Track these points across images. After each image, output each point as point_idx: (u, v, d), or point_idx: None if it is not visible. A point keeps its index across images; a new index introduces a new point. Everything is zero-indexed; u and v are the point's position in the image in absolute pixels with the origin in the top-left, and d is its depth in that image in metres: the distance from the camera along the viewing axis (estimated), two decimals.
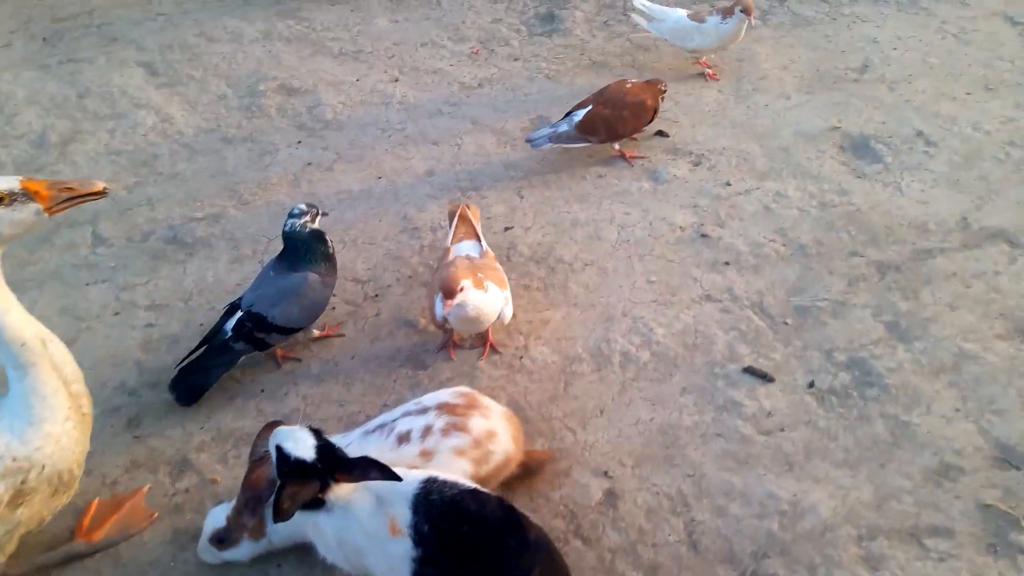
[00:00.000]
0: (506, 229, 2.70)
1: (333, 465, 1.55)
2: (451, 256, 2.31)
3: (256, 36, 3.79)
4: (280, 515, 1.50)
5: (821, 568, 1.77)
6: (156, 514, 1.97)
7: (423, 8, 3.95)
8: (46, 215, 1.70)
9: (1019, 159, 2.81)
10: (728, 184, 2.78)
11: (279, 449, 1.55)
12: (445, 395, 1.88)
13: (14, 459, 1.67)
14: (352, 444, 1.80)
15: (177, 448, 2.13)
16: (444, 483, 1.61)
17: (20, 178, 1.69)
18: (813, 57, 3.49)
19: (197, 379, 2.22)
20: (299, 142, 3.10)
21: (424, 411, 1.79)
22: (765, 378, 2.18)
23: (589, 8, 3.84)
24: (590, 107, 2.82)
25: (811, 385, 2.16)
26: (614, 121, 2.81)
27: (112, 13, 4.12)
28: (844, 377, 2.17)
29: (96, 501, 1.98)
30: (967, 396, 2.11)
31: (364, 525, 1.58)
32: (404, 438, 1.75)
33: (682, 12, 3.37)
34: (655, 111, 2.88)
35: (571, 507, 1.92)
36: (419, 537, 1.54)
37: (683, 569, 1.80)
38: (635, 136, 2.97)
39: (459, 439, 1.75)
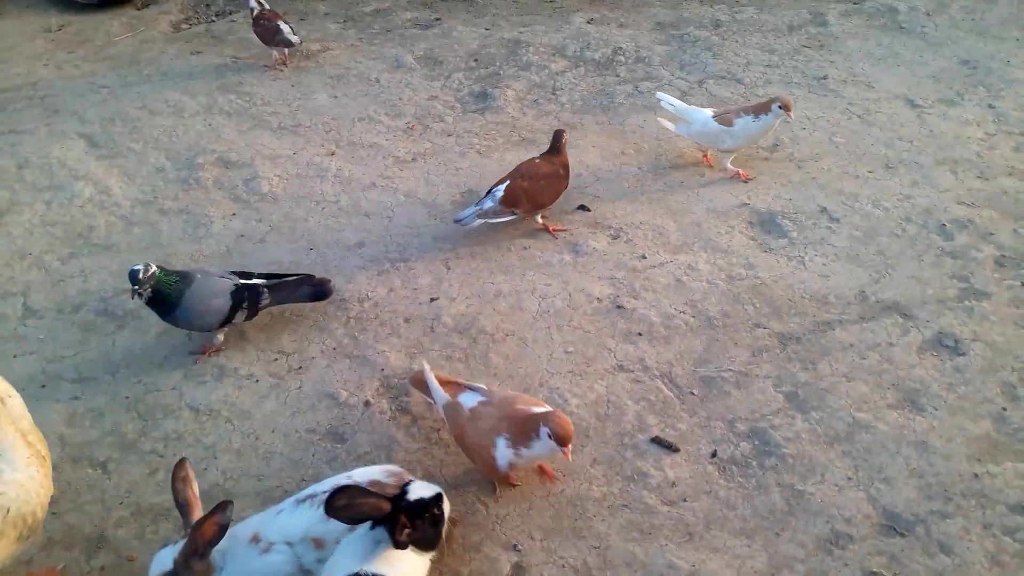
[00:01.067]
0: (432, 300, 2.79)
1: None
2: (464, 408, 2.17)
3: (197, 109, 3.89)
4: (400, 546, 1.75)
5: None
6: None
7: (362, 84, 4.09)
8: None
9: (914, 234, 3.00)
10: (644, 257, 2.93)
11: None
12: (376, 472, 1.98)
13: None
14: (283, 512, 1.89)
15: (95, 524, 2.15)
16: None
17: None
18: None
19: None
20: (233, 214, 3.18)
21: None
22: (671, 448, 2.28)
23: (520, 87, 4.02)
24: (508, 181, 2.95)
25: (714, 455, 2.27)
26: (533, 192, 2.94)
27: (55, 84, 4.19)
28: (745, 447, 2.28)
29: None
30: (859, 465, 2.23)
31: None
32: None
33: (708, 113, 3.25)
34: (567, 178, 3.02)
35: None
36: None
37: None
38: (547, 212, 3.08)
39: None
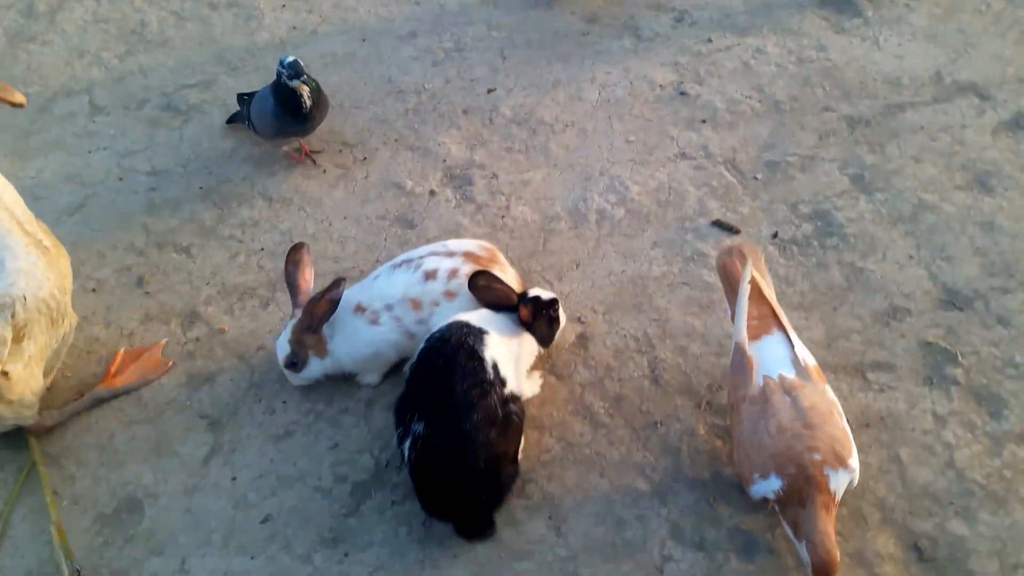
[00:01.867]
0: (489, 91, 2.75)
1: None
2: (755, 372, 1.69)
3: None
4: None
5: None
6: (172, 363, 2.18)
7: None
8: None
9: (999, 11, 2.80)
10: (709, 40, 2.80)
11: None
12: (471, 245, 2.07)
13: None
14: (380, 277, 2.03)
15: (186, 302, 2.31)
16: (446, 329, 1.85)
17: None
18: None
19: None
20: (283, 5, 3.09)
21: (451, 255, 2.00)
22: (731, 230, 2.31)
23: None
24: None
25: (775, 236, 2.30)
26: None
27: None
28: (806, 227, 2.30)
29: (121, 351, 2.18)
30: (921, 244, 2.24)
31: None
32: (431, 275, 1.96)
33: None
34: None
35: (548, 350, 2.11)
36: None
37: (645, 400, 2.00)
38: None
39: None
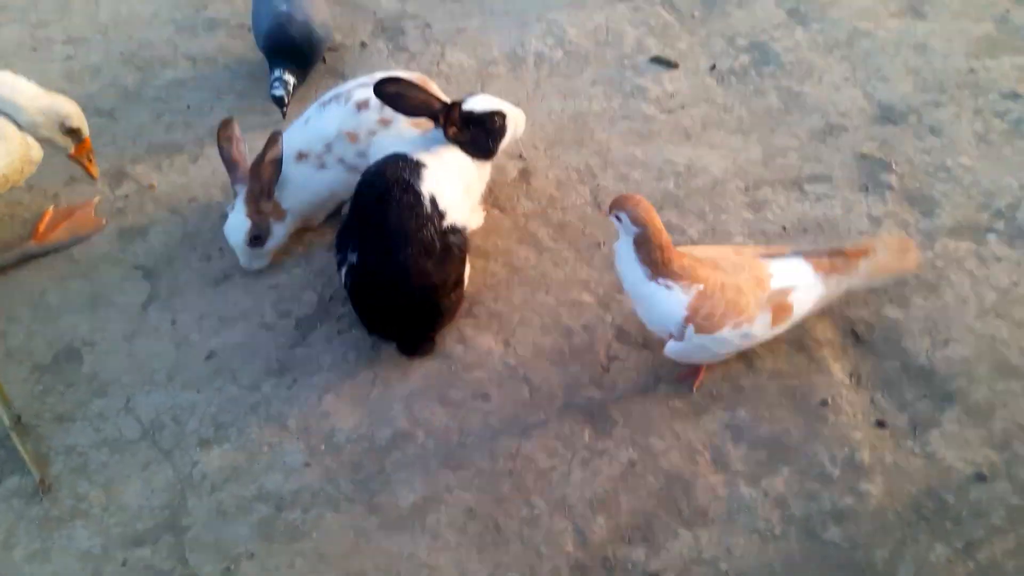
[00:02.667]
0: None
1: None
2: None
3: None
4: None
5: (710, 215, 1.99)
6: (105, 221, 2.10)
7: None
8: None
9: None
10: None
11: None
12: (401, 73, 1.96)
13: None
14: (311, 119, 1.96)
15: (112, 162, 2.22)
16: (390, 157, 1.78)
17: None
18: None
19: None
20: None
21: None
22: (670, 64, 2.30)
23: None
24: None
25: (712, 68, 2.29)
26: None
27: None
28: (744, 58, 2.30)
29: (51, 209, 2.10)
30: (856, 67, 2.26)
31: None
32: (363, 105, 1.89)
33: None
34: None
35: (490, 184, 2.08)
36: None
37: (588, 224, 2.00)
38: None
39: None
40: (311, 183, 1.95)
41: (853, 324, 1.77)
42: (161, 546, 1.61)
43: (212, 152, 2.19)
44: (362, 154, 1.93)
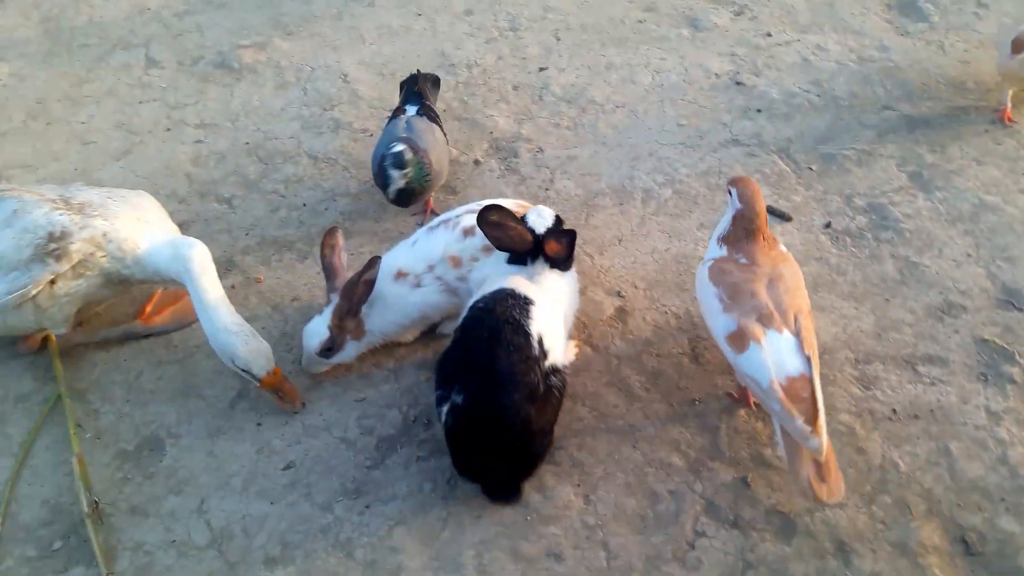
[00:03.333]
0: (541, 69, 2.73)
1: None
2: None
3: None
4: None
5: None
6: None
7: None
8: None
9: None
10: (768, 35, 2.77)
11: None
12: (508, 203, 2.01)
13: (106, 235, 1.92)
14: (418, 241, 2.00)
15: (224, 251, 2.29)
16: (491, 299, 1.77)
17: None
18: None
19: None
20: None
21: None
22: (783, 217, 2.26)
23: None
24: None
25: (827, 225, 2.23)
26: None
27: None
28: (860, 220, 2.24)
29: (158, 292, 2.17)
30: (980, 243, 2.17)
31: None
32: (470, 232, 1.91)
33: None
34: None
35: (585, 319, 2.06)
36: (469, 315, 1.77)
37: (684, 377, 1.94)
38: None
39: None
40: (403, 303, 1.96)
41: (964, 531, 1.64)
42: None
43: (319, 252, 2.25)
44: (462, 279, 1.94)
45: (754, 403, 1.86)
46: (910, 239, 2.18)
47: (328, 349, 1.94)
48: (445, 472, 1.79)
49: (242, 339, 1.84)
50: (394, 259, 1.98)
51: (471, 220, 1.93)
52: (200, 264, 1.91)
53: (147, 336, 2.09)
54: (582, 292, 2.10)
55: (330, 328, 1.92)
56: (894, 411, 1.84)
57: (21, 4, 3.16)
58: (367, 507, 1.77)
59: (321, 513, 1.76)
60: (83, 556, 1.73)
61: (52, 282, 1.88)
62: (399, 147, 2.14)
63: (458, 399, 1.67)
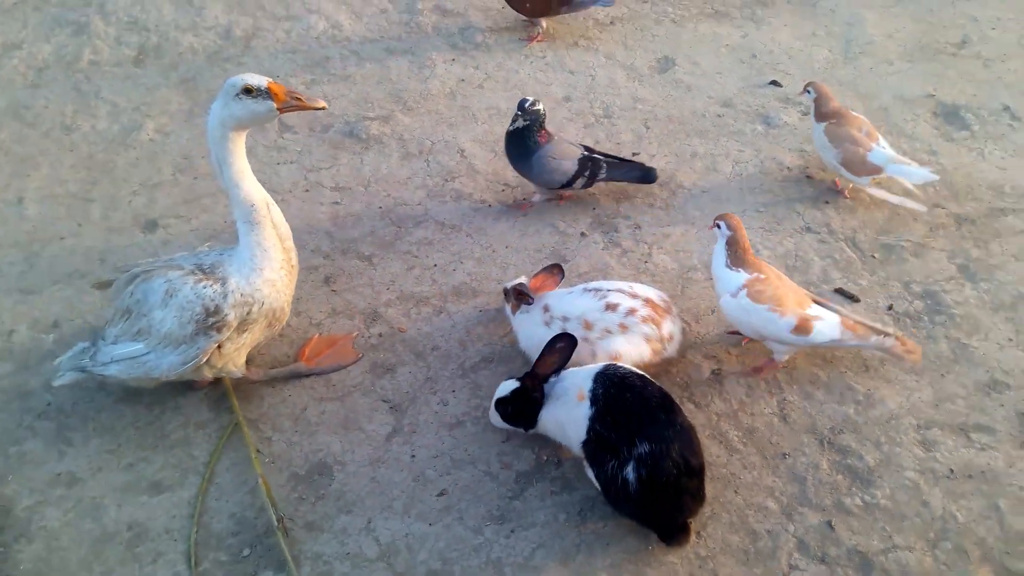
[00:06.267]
0: (633, 155, 3.13)
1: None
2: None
3: None
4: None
5: (885, 445, 2.25)
6: (362, 355, 2.50)
7: None
8: (277, 112, 2.13)
9: None
10: None
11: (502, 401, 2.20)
12: (654, 294, 2.34)
13: (242, 295, 2.20)
14: (573, 294, 2.35)
15: (368, 302, 2.64)
16: (619, 367, 2.11)
17: (268, 80, 2.12)
18: (916, 29, 3.80)
19: None
20: (453, 60, 3.52)
21: (635, 296, 2.28)
22: (852, 299, 2.62)
23: None
24: None
25: (890, 308, 2.60)
26: None
27: None
28: (918, 304, 2.61)
29: (316, 336, 2.51)
30: (1020, 330, 2.53)
31: (565, 403, 2.11)
32: (611, 308, 2.25)
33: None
34: None
35: (686, 380, 2.41)
36: (594, 399, 2.05)
37: (774, 433, 2.29)
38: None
39: (651, 331, 2.25)
40: (538, 332, 2.29)
41: (1011, 575, 1.99)
42: None
43: (453, 307, 2.61)
44: (588, 341, 2.28)
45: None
46: (960, 323, 2.55)
47: (505, 295, 2.40)
48: (576, 505, 2.13)
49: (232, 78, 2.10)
50: (551, 297, 2.35)
51: (617, 298, 2.28)
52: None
53: (309, 376, 2.44)
54: (682, 356, 2.46)
55: (505, 290, 2.43)
56: (951, 471, 2.20)
57: (160, 65, 3.54)
58: (512, 531, 2.10)
59: (473, 535, 2.09)
60: (270, 563, 2.06)
61: (219, 346, 2.21)
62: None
63: (643, 449, 1.94)
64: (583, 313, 2.29)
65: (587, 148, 2.89)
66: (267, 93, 2.10)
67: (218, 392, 2.41)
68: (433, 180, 3.03)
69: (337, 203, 2.96)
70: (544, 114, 2.76)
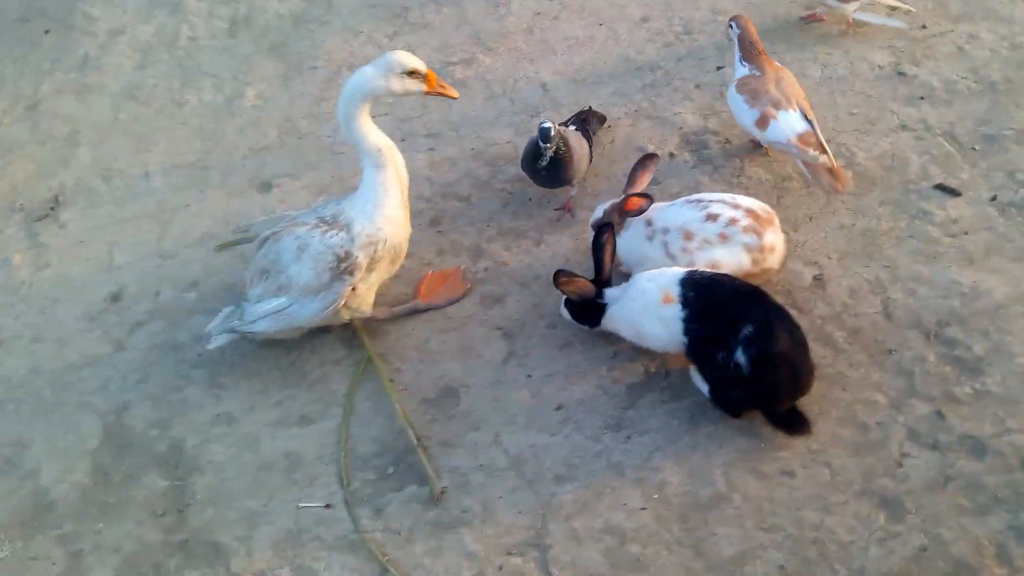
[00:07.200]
0: (718, 68, 3.13)
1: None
2: None
3: None
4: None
5: (994, 334, 2.27)
6: (470, 287, 2.66)
7: None
8: (422, 93, 2.41)
9: None
10: (924, 27, 3.08)
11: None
12: (756, 205, 2.39)
13: (367, 236, 2.40)
14: (674, 206, 2.44)
15: (472, 240, 2.80)
16: (703, 271, 2.23)
17: (427, 68, 2.40)
18: None
19: None
20: None
21: (736, 207, 2.34)
22: (953, 193, 2.60)
23: None
24: None
25: (994, 199, 2.57)
26: None
27: None
28: (1023, 193, 2.56)
29: (429, 273, 2.69)
30: None
31: (644, 304, 2.24)
32: (712, 217, 2.32)
33: None
34: None
35: (787, 287, 2.47)
36: (685, 301, 2.16)
37: (879, 332, 2.34)
38: None
39: (752, 240, 2.31)
40: (639, 245, 2.41)
41: None
42: (529, 559, 2.09)
43: (551, 238, 2.74)
44: (687, 251, 2.36)
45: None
46: None
47: (601, 226, 2.38)
48: (687, 411, 2.26)
49: (396, 54, 2.36)
50: (652, 210, 2.42)
51: (718, 208, 2.34)
52: (344, 90, 2.37)
53: (427, 311, 2.63)
54: (783, 266, 2.52)
55: (605, 212, 2.49)
56: None
57: (251, 34, 3.72)
58: (628, 438, 2.25)
59: (592, 443, 2.26)
60: (412, 478, 2.28)
61: (354, 288, 2.42)
62: (547, 123, 2.61)
63: (747, 332, 2.07)
64: (684, 224, 2.36)
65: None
66: (423, 77, 2.38)
67: (348, 333, 2.63)
68: (519, 117, 3.12)
69: (432, 149, 3.10)
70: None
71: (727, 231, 2.31)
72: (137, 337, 2.75)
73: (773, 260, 2.36)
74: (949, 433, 2.11)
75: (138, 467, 2.43)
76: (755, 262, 2.32)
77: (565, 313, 2.43)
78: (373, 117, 3.23)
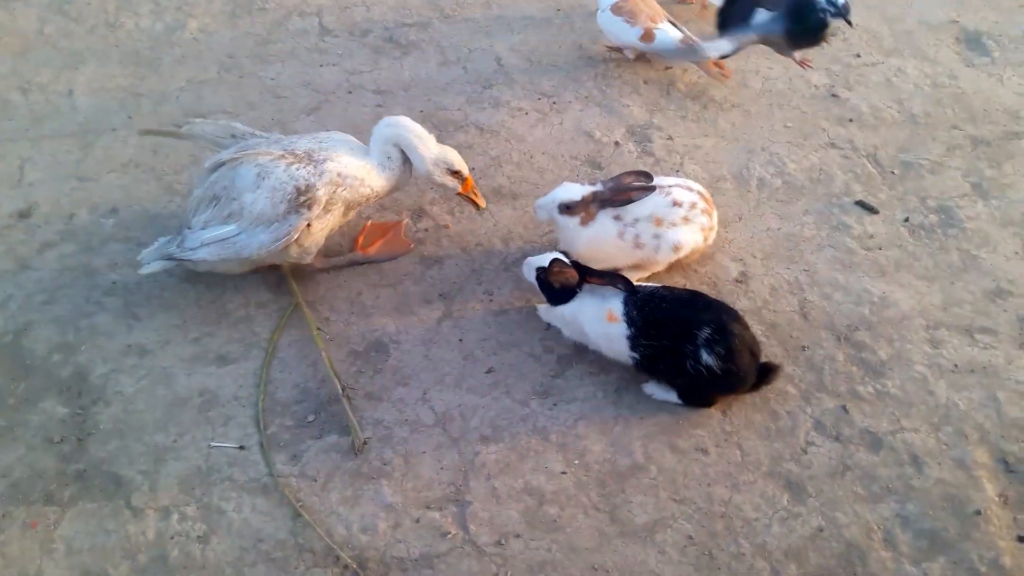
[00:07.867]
0: (666, 68, 3.23)
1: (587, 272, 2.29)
2: None
3: None
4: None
5: (897, 342, 2.45)
6: (413, 246, 2.65)
7: None
8: (455, 193, 2.51)
9: None
10: (858, 56, 3.29)
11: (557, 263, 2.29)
12: (703, 188, 2.50)
13: (338, 173, 2.34)
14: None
15: (414, 200, 2.78)
16: (641, 286, 2.29)
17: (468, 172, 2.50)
18: None
19: None
20: None
21: (691, 190, 2.45)
22: (872, 210, 2.78)
23: None
24: None
25: (906, 220, 2.77)
26: None
27: None
28: (932, 217, 2.77)
29: (369, 223, 2.65)
30: None
31: (593, 312, 2.28)
32: (677, 204, 2.41)
33: None
34: None
35: (714, 280, 2.58)
36: (630, 321, 2.22)
37: (795, 330, 2.47)
38: None
39: (705, 220, 2.45)
40: (608, 231, 2.42)
41: (1005, 455, 2.20)
42: (447, 513, 2.09)
43: (494, 207, 2.75)
44: (657, 236, 2.42)
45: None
46: (971, 236, 2.72)
47: (567, 208, 2.40)
48: (612, 384, 2.32)
49: (449, 152, 2.45)
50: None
51: (680, 194, 2.43)
52: (406, 122, 2.44)
53: (363, 263, 2.59)
54: (711, 258, 2.63)
55: (583, 197, 2.41)
56: (956, 366, 2.39)
57: None
58: (555, 405, 2.29)
59: (519, 407, 2.29)
60: (333, 427, 2.25)
61: (308, 224, 2.36)
62: None
63: (707, 333, 2.14)
64: (652, 211, 2.43)
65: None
66: (463, 180, 2.50)
67: (275, 277, 2.56)
68: (472, 87, 3.13)
69: (380, 106, 3.06)
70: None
71: (690, 214, 2.42)
72: (46, 257, 2.59)
73: (711, 237, 2.51)
74: (851, 427, 2.26)
75: (35, 391, 2.29)
76: (705, 239, 2.47)
77: (529, 274, 2.40)
78: (321, 67, 3.24)
